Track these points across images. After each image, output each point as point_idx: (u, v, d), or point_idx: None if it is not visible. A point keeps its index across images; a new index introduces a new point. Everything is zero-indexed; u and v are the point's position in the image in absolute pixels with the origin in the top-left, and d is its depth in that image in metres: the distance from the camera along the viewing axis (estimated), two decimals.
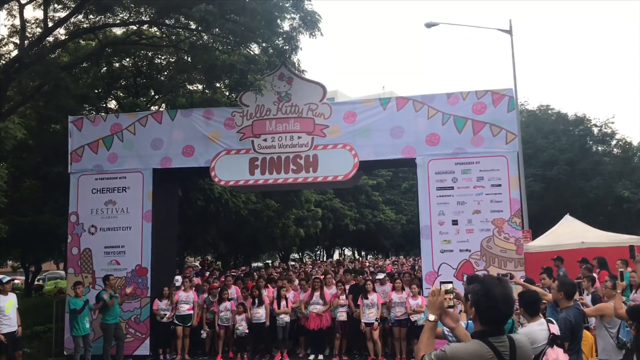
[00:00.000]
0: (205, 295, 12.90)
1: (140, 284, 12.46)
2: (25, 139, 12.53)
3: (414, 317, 11.29)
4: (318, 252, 51.05)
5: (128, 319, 12.39)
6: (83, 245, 12.79)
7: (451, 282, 3.56)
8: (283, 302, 12.18)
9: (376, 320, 11.40)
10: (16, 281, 13.66)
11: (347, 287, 12.50)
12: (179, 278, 12.84)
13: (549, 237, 16.24)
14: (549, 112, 33.08)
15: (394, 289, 11.87)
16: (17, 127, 11.68)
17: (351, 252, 56.11)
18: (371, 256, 52.66)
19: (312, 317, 11.76)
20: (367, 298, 11.53)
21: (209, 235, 20.37)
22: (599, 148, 32.03)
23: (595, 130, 31.58)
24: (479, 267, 11.23)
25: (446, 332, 4.96)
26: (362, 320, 11.50)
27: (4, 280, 11.21)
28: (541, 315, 5.41)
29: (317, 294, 11.99)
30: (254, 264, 32.47)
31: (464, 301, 5.40)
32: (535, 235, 17.47)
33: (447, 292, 3.35)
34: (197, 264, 25.76)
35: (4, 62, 14.20)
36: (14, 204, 13.58)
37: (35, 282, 26.06)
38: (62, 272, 28.94)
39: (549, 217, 21.75)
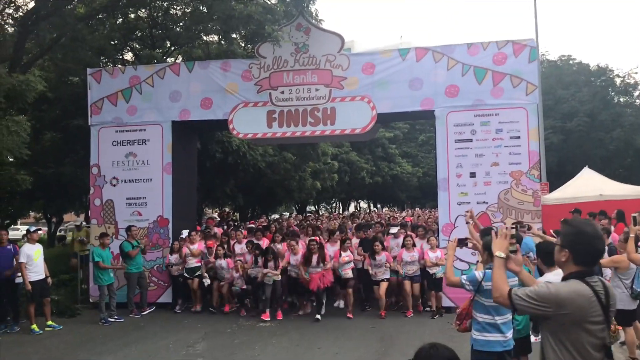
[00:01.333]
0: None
1: (162, 234, 12.73)
2: (44, 92, 12.60)
3: (432, 270, 11.17)
4: (334, 205, 51.40)
5: (151, 268, 12.72)
6: (105, 197, 13.04)
7: (515, 227, 3.64)
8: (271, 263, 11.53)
9: (384, 280, 11.15)
10: (39, 232, 14.02)
11: (355, 241, 12.36)
12: (184, 231, 12.75)
13: (567, 189, 16.21)
14: (570, 62, 32.47)
15: (404, 246, 11.55)
16: (38, 80, 11.75)
17: (367, 205, 56.40)
18: (387, 208, 52.96)
19: (312, 277, 11.16)
20: (374, 259, 11.24)
21: (227, 187, 20.59)
22: (621, 99, 31.50)
23: (618, 81, 31.00)
24: (496, 219, 11.28)
25: (463, 281, 5.07)
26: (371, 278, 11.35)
27: (32, 230, 11.58)
28: (557, 266, 5.49)
29: (315, 257, 11.22)
30: (273, 216, 32.82)
31: (482, 252, 5.51)
32: (553, 187, 17.44)
33: (512, 236, 3.39)
34: (215, 215, 26.16)
35: (21, 14, 14.16)
36: (36, 156, 13.78)
37: (58, 233, 26.70)
38: (84, 223, 29.52)
39: (568, 169, 21.64)
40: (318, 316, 11.19)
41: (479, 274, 5.02)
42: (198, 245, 12.43)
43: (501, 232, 3.43)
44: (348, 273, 11.43)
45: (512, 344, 5.03)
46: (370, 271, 11.27)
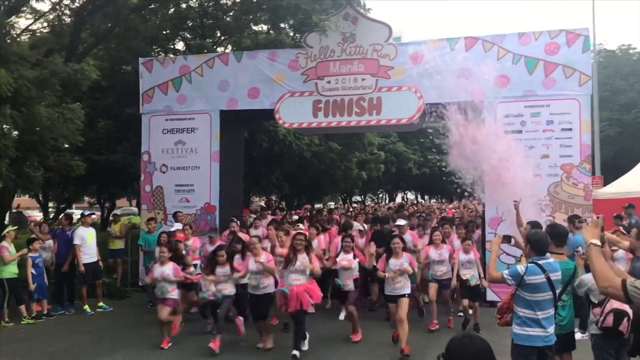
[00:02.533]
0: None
1: (210, 220, 12.98)
2: (98, 80, 12.99)
3: (465, 275, 9.35)
4: (380, 195, 51.15)
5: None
6: (155, 183, 13.40)
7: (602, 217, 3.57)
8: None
9: (405, 296, 8.23)
10: (93, 216, 14.53)
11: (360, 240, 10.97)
12: (176, 224, 11.76)
13: (620, 184, 15.72)
14: (630, 52, 31.18)
15: (431, 242, 9.81)
16: (92, 69, 12.09)
17: (414, 196, 55.90)
18: (434, 200, 52.33)
19: (290, 293, 7.89)
20: (388, 262, 8.40)
21: (273, 176, 20.81)
22: None
23: None
24: (546, 212, 10.99)
25: (505, 276, 4.98)
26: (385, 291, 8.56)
27: (86, 213, 12.03)
28: None
29: (300, 257, 7.97)
30: (317, 205, 33.02)
31: (523, 247, 5.42)
32: (608, 181, 16.91)
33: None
34: (262, 203, 26.47)
35: (77, 4, 14.60)
36: (89, 143, 14.24)
37: (110, 218, 27.57)
38: (135, 209, 30.43)
39: (624, 163, 20.84)
40: (296, 352, 7.81)
41: (521, 268, 4.94)
42: (193, 242, 10.90)
43: (592, 221, 3.34)
44: (348, 284, 8.86)
45: (554, 340, 4.94)
46: (386, 281, 8.43)
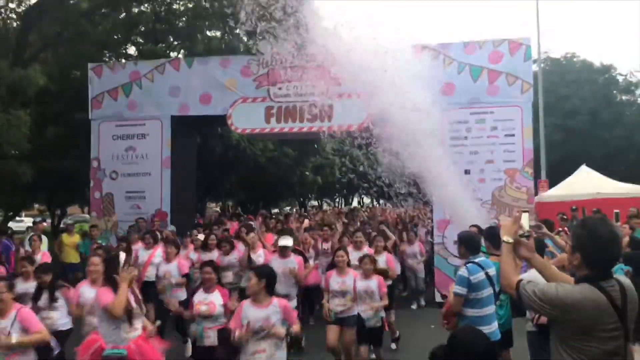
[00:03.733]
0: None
1: (161, 227, 12.88)
2: (47, 86, 12.78)
3: (364, 311, 6.67)
4: (337, 200, 51.47)
5: None
6: (105, 190, 13.23)
7: (528, 211, 3.50)
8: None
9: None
10: (44, 223, 14.22)
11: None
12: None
13: (563, 187, 16.33)
14: (574, 60, 32.37)
15: (334, 265, 7.06)
16: (39, 75, 11.94)
17: (370, 200, 56.40)
18: (389, 204, 52.84)
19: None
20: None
21: (228, 182, 20.79)
22: (623, 97, 31.41)
23: (621, 79, 30.92)
24: (490, 215, 11.38)
25: (457, 292, 5.10)
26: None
27: (37, 220, 11.79)
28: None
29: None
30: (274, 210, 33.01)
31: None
32: (554, 185, 17.51)
33: (527, 232, 3.19)
34: (217, 209, 26.37)
35: (24, 7, 14.34)
36: (38, 150, 13.97)
37: (61, 225, 26.95)
38: (87, 216, 29.80)
39: (569, 167, 21.60)
40: None
41: (463, 272, 5.15)
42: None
43: (513, 217, 3.25)
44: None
45: (499, 335, 5.16)
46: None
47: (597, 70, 31.21)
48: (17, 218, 22.81)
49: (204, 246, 9.46)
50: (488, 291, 5.11)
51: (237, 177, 21.26)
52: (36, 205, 29.09)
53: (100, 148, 13.29)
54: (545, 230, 5.89)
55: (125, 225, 12.60)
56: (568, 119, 28.29)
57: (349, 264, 6.98)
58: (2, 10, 14.11)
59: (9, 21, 14.50)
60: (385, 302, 6.83)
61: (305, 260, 8.30)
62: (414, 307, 11.36)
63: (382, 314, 6.99)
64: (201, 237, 10.09)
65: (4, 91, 11.45)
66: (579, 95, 28.88)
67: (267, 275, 4.92)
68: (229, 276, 8.53)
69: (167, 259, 8.52)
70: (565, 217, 12.47)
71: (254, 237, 8.67)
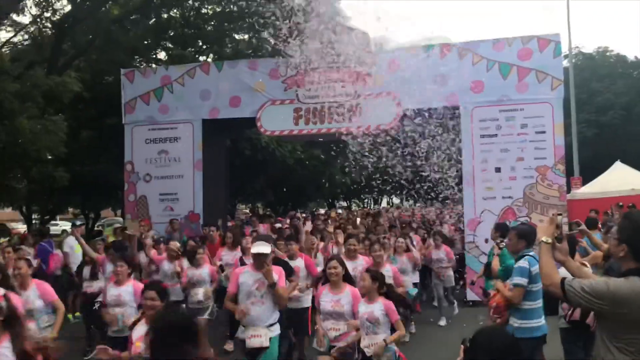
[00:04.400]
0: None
1: (194, 229, 13.10)
2: (80, 92, 13.11)
3: (368, 349, 5.05)
4: (366, 200, 51.39)
5: None
6: (139, 193, 13.51)
7: (561, 215, 3.58)
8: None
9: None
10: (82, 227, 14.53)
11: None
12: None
13: (597, 184, 16.06)
14: (607, 54, 31.73)
15: (325, 280, 5.77)
16: (74, 81, 12.27)
17: (399, 200, 56.15)
18: (419, 204, 52.53)
19: None
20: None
21: (257, 183, 20.98)
22: None
23: None
24: (521, 213, 11.30)
25: (519, 283, 5.01)
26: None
27: (77, 224, 12.15)
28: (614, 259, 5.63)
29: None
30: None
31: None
32: (587, 182, 17.22)
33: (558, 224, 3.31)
34: (247, 211, 26.61)
35: (58, 17, 14.71)
36: (72, 154, 14.34)
37: (95, 228, 27.54)
38: (120, 219, 30.38)
39: (602, 163, 21.24)
40: None
41: (523, 263, 5.03)
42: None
43: (549, 219, 3.34)
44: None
45: (547, 330, 5.17)
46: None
47: (631, 64, 30.58)
48: (52, 222, 23.38)
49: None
50: (540, 285, 5.10)
51: (266, 178, 21.45)
52: (70, 209, 29.71)
53: (134, 152, 13.57)
54: (583, 227, 5.88)
55: (159, 227, 12.89)
56: (601, 114, 27.73)
57: (348, 279, 5.62)
58: (38, 20, 14.50)
59: (44, 30, 14.90)
60: (402, 332, 5.25)
61: (291, 271, 6.56)
62: (442, 323, 9.70)
63: (394, 347, 5.12)
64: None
65: (41, 98, 11.78)
66: (612, 90, 28.29)
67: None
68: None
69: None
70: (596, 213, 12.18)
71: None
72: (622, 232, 2.93)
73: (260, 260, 5.38)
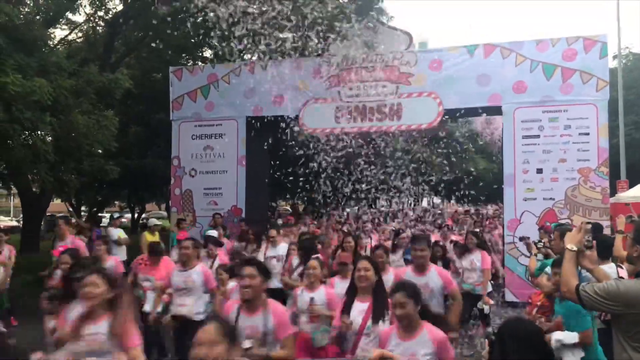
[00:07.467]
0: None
1: (236, 224, 13.45)
2: (130, 88, 13.60)
3: None
4: (406, 200, 51.03)
5: None
6: (185, 187, 13.96)
7: (590, 224, 3.57)
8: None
9: None
10: (122, 220, 14.98)
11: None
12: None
13: None
14: None
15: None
16: (125, 78, 12.73)
17: (440, 200, 55.63)
18: (460, 205, 51.98)
19: None
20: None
21: (298, 181, 21.18)
22: None
23: None
24: (563, 215, 11.22)
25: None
26: None
27: (115, 216, 12.67)
28: (611, 260, 5.64)
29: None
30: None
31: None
32: (634, 185, 16.86)
33: (587, 232, 3.28)
34: (287, 208, 26.91)
35: (111, 16, 15.28)
36: (121, 148, 14.87)
37: (140, 221, 28.37)
38: (164, 212, 31.15)
39: None
40: None
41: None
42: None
43: (577, 226, 3.33)
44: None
45: None
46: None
47: None
48: (99, 214, 24.19)
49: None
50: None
51: (307, 176, 21.62)
52: (117, 202, 30.62)
53: (180, 147, 14.02)
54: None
55: (202, 220, 13.31)
56: None
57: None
58: (92, 18, 15.10)
59: (97, 28, 15.49)
60: None
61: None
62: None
63: None
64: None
65: (93, 94, 12.28)
66: None
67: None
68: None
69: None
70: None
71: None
72: (637, 233, 3.01)
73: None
